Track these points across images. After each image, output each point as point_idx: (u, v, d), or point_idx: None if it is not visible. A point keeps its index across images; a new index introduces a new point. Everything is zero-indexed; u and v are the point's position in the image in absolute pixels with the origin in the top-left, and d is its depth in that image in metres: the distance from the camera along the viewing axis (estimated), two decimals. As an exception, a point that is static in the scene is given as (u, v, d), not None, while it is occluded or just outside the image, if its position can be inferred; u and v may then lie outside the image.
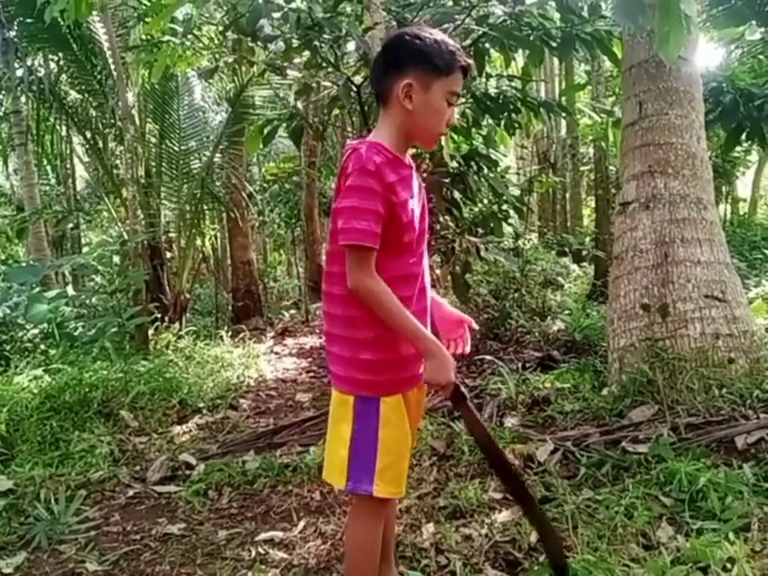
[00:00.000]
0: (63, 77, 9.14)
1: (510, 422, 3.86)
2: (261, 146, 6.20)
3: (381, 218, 1.76)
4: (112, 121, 8.59)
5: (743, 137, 7.80)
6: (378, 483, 1.85)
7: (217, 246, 14.61)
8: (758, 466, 2.88)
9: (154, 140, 8.78)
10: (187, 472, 3.78)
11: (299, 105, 6.30)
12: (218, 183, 9.15)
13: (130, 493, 3.56)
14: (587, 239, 10.68)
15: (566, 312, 7.08)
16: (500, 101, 5.80)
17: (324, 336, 2.00)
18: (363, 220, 1.74)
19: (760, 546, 2.31)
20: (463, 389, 1.94)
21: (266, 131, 5.96)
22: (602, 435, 3.38)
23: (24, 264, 11.02)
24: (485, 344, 6.24)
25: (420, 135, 1.93)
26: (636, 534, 2.49)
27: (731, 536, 2.34)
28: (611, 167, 10.49)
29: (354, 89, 5.58)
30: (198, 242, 9.67)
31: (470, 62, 1.89)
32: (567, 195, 14.70)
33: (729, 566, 2.19)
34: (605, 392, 3.96)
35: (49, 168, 14.52)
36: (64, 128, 10.31)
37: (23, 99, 9.40)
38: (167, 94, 8.43)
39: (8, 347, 6.22)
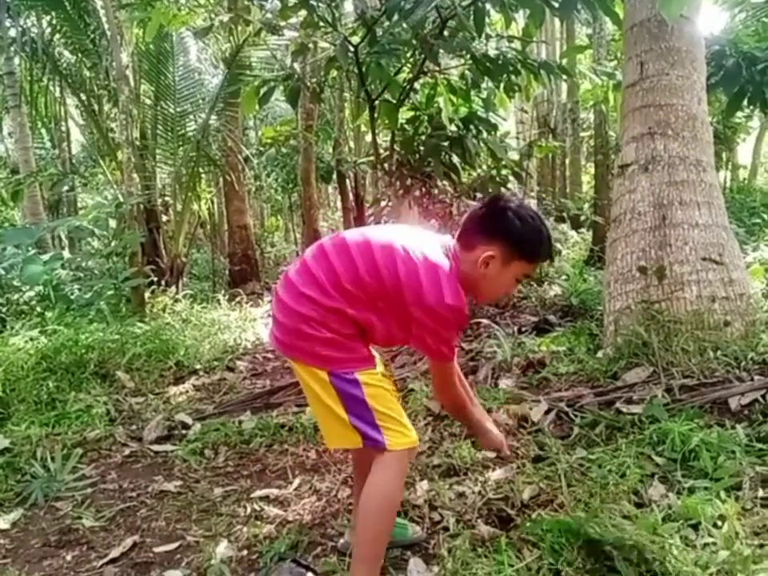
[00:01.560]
0: (56, 37, 8.99)
1: (505, 383, 3.87)
2: (257, 107, 6.12)
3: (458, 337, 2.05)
4: (106, 82, 8.48)
5: (745, 102, 7.72)
6: (389, 439, 1.92)
7: (213, 211, 14.56)
8: (750, 427, 2.89)
9: (148, 102, 8.69)
10: (183, 431, 3.80)
11: (296, 66, 6.21)
12: (213, 146, 9.07)
13: (127, 451, 3.59)
14: (586, 206, 10.63)
15: (564, 277, 7.07)
16: (500, 62, 5.71)
17: (281, 306, 2.02)
18: (449, 345, 1.96)
19: (751, 504, 2.32)
20: None
21: (262, 92, 5.88)
22: (597, 396, 3.39)
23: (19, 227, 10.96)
24: (481, 309, 6.23)
25: (476, 292, 2.05)
26: (628, 492, 2.50)
27: (722, 494, 2.35)
28: (611, 133, 10.40)
29: (352, 49, 5.50)
30: (195, 205, 9.62)
31: (556, 250, 2.01)
32: (567, 161, 14.60)
33: (719, 523, 2.20)
34: (600, 354, 3.96)
35: (44, 131, 14.39)
36: (58, 89, 10.18)
37: (17, 61, 9.26)
38: (162, 54, 8.31)
39: (4, 309, 6.22)
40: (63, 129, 13.85)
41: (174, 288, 7.85)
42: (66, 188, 12.54)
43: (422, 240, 2.00)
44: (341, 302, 1.91)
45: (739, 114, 11.35)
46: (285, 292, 2.00)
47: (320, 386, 1.95)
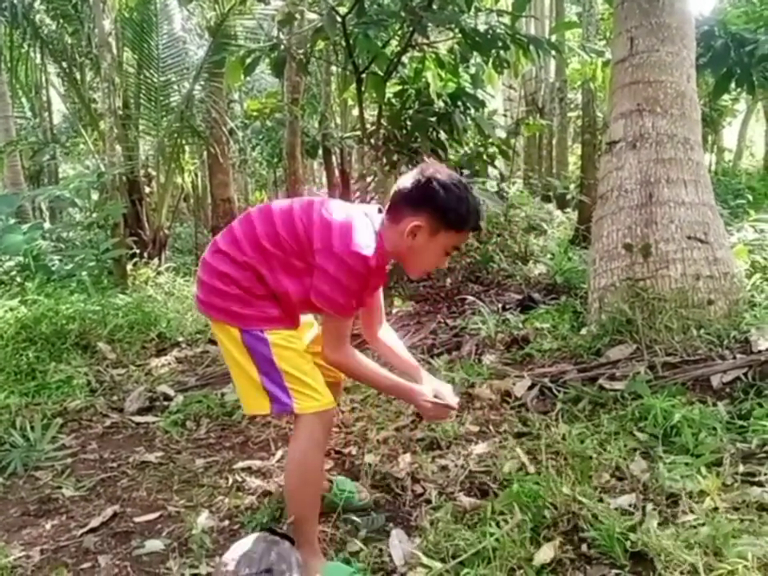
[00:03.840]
0: (37, 1, 8.78)
1: (489, 359, 3.86)
2: (242, 78, 6.03)
3: (360, 297, 2.00)
4: (88, 49, 8.32)
5: (732, 84, 7.72)
6: (297, 401, 1.95)
7: (197, 184, 14.41)
8: (732, 404, 2.91)
9: (131, 70, 8.54)
10: (165, 403, 3.77)
11: (282, 36, 6.12)
12: (198, 117, 8.94)
13: (108, 422, 3.56)
14: (572, 185, 10.63)
15: (548, 256, 7.08)
16: (489, 37, 5.65)
17: (202, 264, 2.10)
18: (345, 297, 1.92)
19: (731, 480, 2.34)
20: None
21: (247, 62, 5.79)
22: (580, 372, 3.40)
23: (-1, 196, 10.78)
24: (466, 286, 6.23)
25: (406, 264, 2.09)
26: (609, 467, 2.52)
27: (703, 470, 2.37)
28: (599, 113, 10.37)
29: (339, 19, 5.41)
30: (178, 178, 9.50)
31: (483, 224, 1.99)
32: (554, 141, 14.57)
33: (699, 499, 2.22)
34: (584, 331, 3.97)
35: (24, 99, 14.12)
36: (39, 56, 9.97)
37: (-4, 27, 9.05)
38: (145, 21, 8.15)
39: (-18, 279, 6.13)
40: (44, 97, 13.61)
41: (156, 260, 7.78)
42: (46, 157, 12.36)
43: (345, 205, 2.06)
44: (255, 260, 1.97)
45: (726, 96, 11.38)
46: (207, 252, 2.09)
47: (233, 344, 1.99)
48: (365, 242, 1.89)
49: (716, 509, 2.14)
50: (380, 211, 2.09)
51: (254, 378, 1.97)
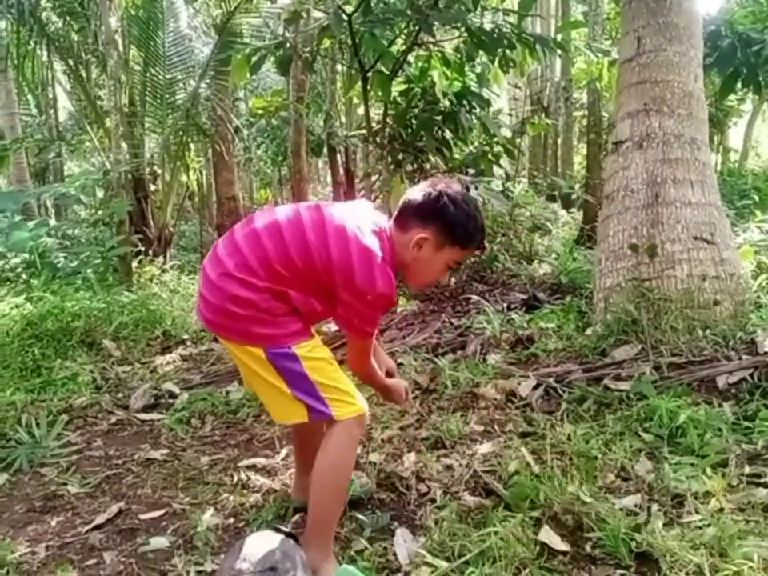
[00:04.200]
0: (44, -2, 8.80)
1: (494, 358, 3.86)
2: (247, 76, 6.03)
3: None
4: (94, 47, 8.33)
5: (738, 84, 7.70)
6: (335, 409, 1.95)
7: (202, 182, 14.42)
8: (737, 405, 2.91)
9: (137, 68, 8.52)
10: (170, 400, 3.78)
11: (288, 34, 6.12)
12: (203, 115, 8.94)
13: (113, 419, 3.57)
14: (577, 185, 10.60)
15: (553, 256, 7.06)
16: (495, 36, 5.64)
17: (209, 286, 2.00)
18: (373, 325, 2.00)
19: (736, 481, 2.35)
20: None
21: (253, 60, 5.79)
22: (585, 372, 3.39)
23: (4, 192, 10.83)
24: (471, 286, 6.22)
25: (408, 275, 2.10)
26: (614, 467, 2.52)
27: (708, 471, 2.37)
28: (604, 113, 10.35)
29: (345, 18, 5.41)
30: (183, 176, 9.51)
31: (486, 244, 2.03)
32: (559, 140, 14.54)
33: (705, 499, 2.22)
34: (589, 331, 3.96)
35: (30, 96, 14.15)
36: (45, 54, 9.99)
37: (2, 24, 9.07)
38: (152, 19, 8.15)
39: (-12, 276, 6.16)
40: (50, 95, 13.63)
41: (161, 258, 7.78)
42: (52, 155, 12.38)
43: (355, 220, 1.98)
44: (272, 283, 1.92)
45: (732, 97, 11.35)
46: (213, 270, 1.98)
47: (257, 363, 1.96)
48: (386, 278, 1.89)
49: (721, 510, 2.14)
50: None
51: (284, 391, 1.95)
